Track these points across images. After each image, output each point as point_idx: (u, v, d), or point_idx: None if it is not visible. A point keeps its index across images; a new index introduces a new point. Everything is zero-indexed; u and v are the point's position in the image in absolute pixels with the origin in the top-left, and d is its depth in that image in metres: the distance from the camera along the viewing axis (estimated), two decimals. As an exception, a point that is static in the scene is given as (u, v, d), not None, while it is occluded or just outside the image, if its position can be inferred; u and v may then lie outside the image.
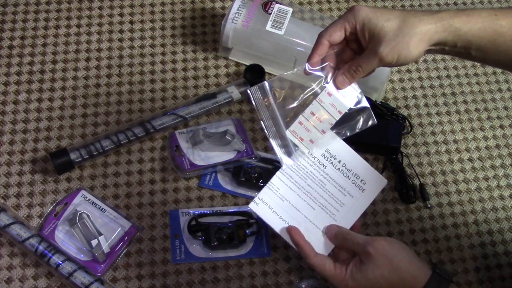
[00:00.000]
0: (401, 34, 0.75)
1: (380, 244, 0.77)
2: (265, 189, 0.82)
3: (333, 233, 0.82)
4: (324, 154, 0.83)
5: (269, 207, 0.82)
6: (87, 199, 0.95)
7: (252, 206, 0.82)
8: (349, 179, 0.84)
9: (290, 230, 0.81)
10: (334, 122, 0.82)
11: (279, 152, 0.82)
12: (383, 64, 0.77)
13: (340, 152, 0.84)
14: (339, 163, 0.84)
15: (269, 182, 0.82)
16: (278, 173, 0.83)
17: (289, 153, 0.82)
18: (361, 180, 0.84)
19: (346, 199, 0.83)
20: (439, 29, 0.75)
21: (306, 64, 0.80)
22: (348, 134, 0.82)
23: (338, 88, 0.81)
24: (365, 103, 0.82)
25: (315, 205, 0.83)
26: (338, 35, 0.78)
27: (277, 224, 0.82)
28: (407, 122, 1.06)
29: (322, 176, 0.83)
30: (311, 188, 0.83)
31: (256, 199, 0.82)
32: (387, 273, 0.76)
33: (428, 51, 0.78)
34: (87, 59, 1.08)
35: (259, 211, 0.82)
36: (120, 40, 1.11)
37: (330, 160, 0.83)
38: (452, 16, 0.75)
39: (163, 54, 1.10)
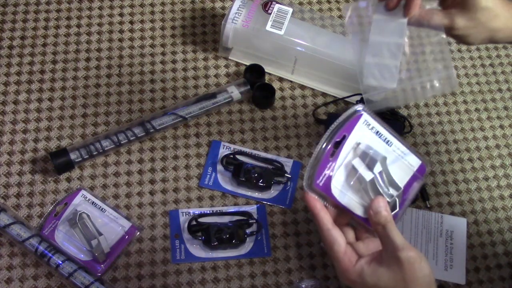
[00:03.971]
0: (480, 25, 0.76)
1: (415, 258, 0.66)
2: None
3: (379, 206, 0.68)
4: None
5: None
6: (87, 199, 0.95)
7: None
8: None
9: (305, 197, 0.69)
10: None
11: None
12: (447, 31, 0.78)
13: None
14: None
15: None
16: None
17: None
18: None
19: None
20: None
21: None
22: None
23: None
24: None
25: None
26: None
27: None
28: (407, 122, 1.06)
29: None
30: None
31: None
32: None
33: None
34: (87, 59, 1.08)
35: None
36: (120, 40, 1.11)
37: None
38: None
39: (163, 54, 1.10)
